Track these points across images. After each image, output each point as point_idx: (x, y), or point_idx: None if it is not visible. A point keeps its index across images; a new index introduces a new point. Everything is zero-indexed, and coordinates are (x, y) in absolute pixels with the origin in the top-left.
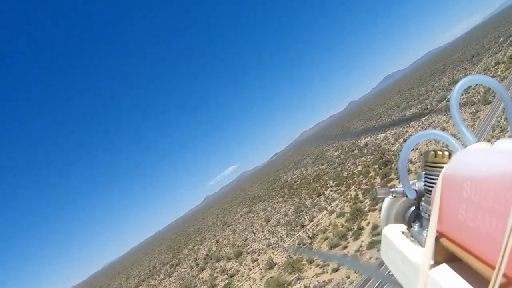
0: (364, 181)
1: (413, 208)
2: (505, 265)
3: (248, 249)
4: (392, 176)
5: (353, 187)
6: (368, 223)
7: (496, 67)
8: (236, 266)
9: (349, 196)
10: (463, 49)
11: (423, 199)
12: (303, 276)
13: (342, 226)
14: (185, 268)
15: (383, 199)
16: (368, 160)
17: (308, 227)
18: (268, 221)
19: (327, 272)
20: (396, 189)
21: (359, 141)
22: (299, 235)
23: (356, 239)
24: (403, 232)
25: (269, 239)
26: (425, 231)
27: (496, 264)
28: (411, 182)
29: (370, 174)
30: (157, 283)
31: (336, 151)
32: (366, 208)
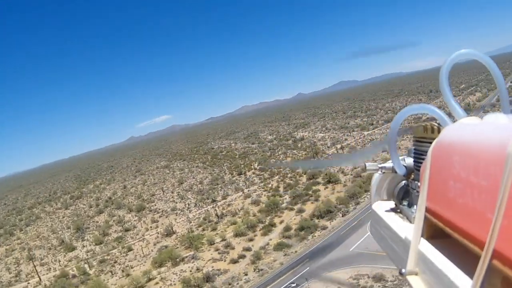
0: (289, 175)
1: (402, 184)
2: (494, 241)
3: (152, 206)
4: (319, 180)
5: (277, 177)
6: (281, 222)
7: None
8: (135, 221)
9: (270, 186)
10: (422, 82)
11: (412, 175)
12: (198, 256)
13: (254, 215)
14: (84, 204)
15: (371, 176)
16: (300, 155)
17: (219, 204)
18: (181, 183)
19: (224, 261)
20: (385, 164)
21: (295, 132)
22: (207, 210)
23: (264, 234)
24: (392, 209)
25: (176, 203)
26: (415, 208)
27: (485, 240)
28: (400, 158)
29: (298, 170)
30: (52, 211)
31: (270, 134)
32: (284, 205)
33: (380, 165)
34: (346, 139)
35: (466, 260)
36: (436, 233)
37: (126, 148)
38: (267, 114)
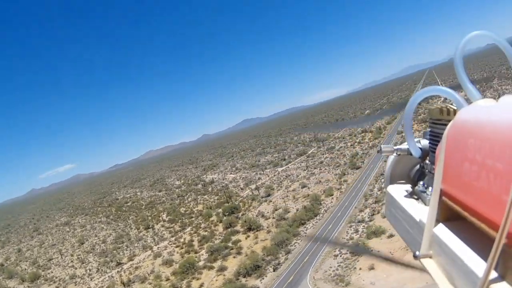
0: (203, 226)
1: (417, 166)
2: (509, 224)
3: (48, 273)
4: (238, 228)
5: (189, 229)
6: (201, 285)
7: (363, 134)
8: None
9: (182, 240)
10: (326, 113)
11: (427, 157)
12: None
13: (167, 279)
14: None
15: (386, 159)
16: (212, 200)
17: (125, 267)
18: (83, 243)
19: None
20: (401, 146)
21: (204, 175)
22: (112, 276)
23: None
24: (407, 191)
25: (76, 268)
26: (430, 190)
27: (500, 223)
28: (416, 140)
29: (212, 219)
30: None
31: (178, 179)
32: (201, 263)
33: (395, 147)
34: (259, 178)
35: (480, 242)
36: (450, 215)
37: (26, 202)
38: (173, 158)
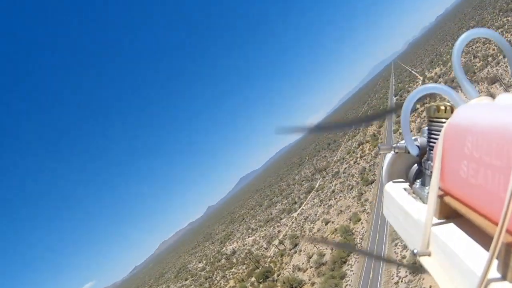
0: None
1: (415, 164)
2: (508, 221)
3: None
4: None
5: None
6: None
7: (361, 147)
8: None
9: None
10: (316, 141)
11: (425, 155)
12: None
13: None
14: None
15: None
16: (241, 271)
17: None
18: None
19: None
20: (398, 144)
21: (224, 248)
22: None
23: None
24: (405, 189)
25: None
26: (427, 188)
27: (498, 220)
28: (413, 138)
29: None
30: None
31: (200, 262)
32: None
33: (393, 145)
34: (279, 231)
35: (479, 240)
36: (449, 213)
37: None
38: (187, 242)
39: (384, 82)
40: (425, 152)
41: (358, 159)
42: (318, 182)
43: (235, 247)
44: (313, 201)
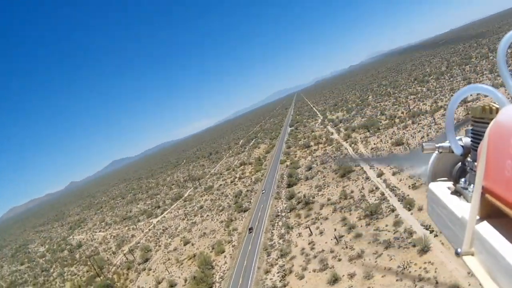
0: None
1: (459, 164)
2: None
3: None
4: None
5: None
6: None
7: (242, 167)
8: None
9: None
10: (199, 146)
11: (469, 155)
12: None
13: None
14: None
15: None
16: (81, 273)
17: None
18: None
19: None
20: (443, 144)
21: (71, 236)
22: None
23: None
24: (449, 188)
25: None
26: (471, 187)
27: None
28: (457, 138)
29: None
30: None
31: (43, 244)
32: None
33: (437, 145)
34: (133, 236)
35: None
36: (492, 212)
37: None
38: (38, 214)
39: (283, 110)
40: (469, 151)
41: (237, 179)
42: (188, 191)
43: (83, 239)
44: (177, 212)
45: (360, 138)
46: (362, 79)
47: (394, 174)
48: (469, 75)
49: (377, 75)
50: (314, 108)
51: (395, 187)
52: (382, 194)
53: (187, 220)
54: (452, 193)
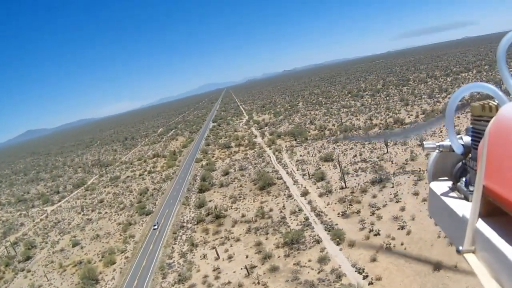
0: None
1: (460, 163)
2: None
3: None
4: None
5: None
6: None
7: (154, 159)
8: None
9: None
10: (116, 128)
11: (470, 154)
12: None
13: None
14: None
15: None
16: None
17: None
18: None
19: None
20: (443, 143)
21: None
22: None
23: None
24: (449, 187)
25: None
26: (472, 186)
27: None
28: (458, 136)
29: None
30: None
31: None
32: None
33: (437, 144)
34: (22, 224)
35: None
36: (493, 211)
37: None
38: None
39: (209, 104)
40: (469, 150)
41: (146, 173)
42: (93, 178)
43: None
44: (75, 202)
45: (286, 146)
46: (293, 85)
47: (321, 195)
48: (406, 97)
49: (310, 83)
50: (241, 107)
51: (321, 212)
52: (306, 218)
53: (83, 215)
54: (453, 192)
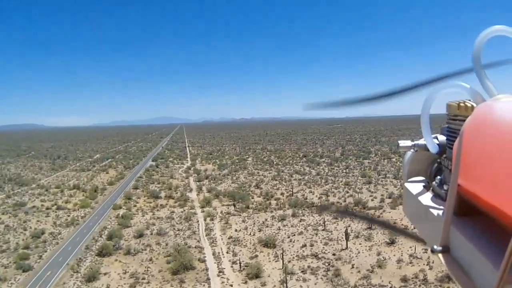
0: None
1: (435, 162)
2: None
3: None
4: None
5: None
6: None
7: (72, 192)
8: None
9: None
10: (56, 143)
11: (445, 153)
12: None
13: None
14: None
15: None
16: None
17: None
18: None
19: None
20: (418, 142)
21: None
22: None
23: None
24: (424, 186)
25: None
26: (447, 185)
27: None
28: (433, 136)
29: None
30: None
31: None
32: None
33: (413, 143)
34: None
35: (497, 237)
36: (468, 210)
37: None
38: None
39: (158, 138)
40: (445, 150)
41: (55, 208)
42: None
43: None
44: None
45: (221, 212)
46: (248, 135)
47: None
48: (368, 173)
49: (265, 136)
50: (187, 149)
51: None
52: None
53: None
54: (428, 191)
